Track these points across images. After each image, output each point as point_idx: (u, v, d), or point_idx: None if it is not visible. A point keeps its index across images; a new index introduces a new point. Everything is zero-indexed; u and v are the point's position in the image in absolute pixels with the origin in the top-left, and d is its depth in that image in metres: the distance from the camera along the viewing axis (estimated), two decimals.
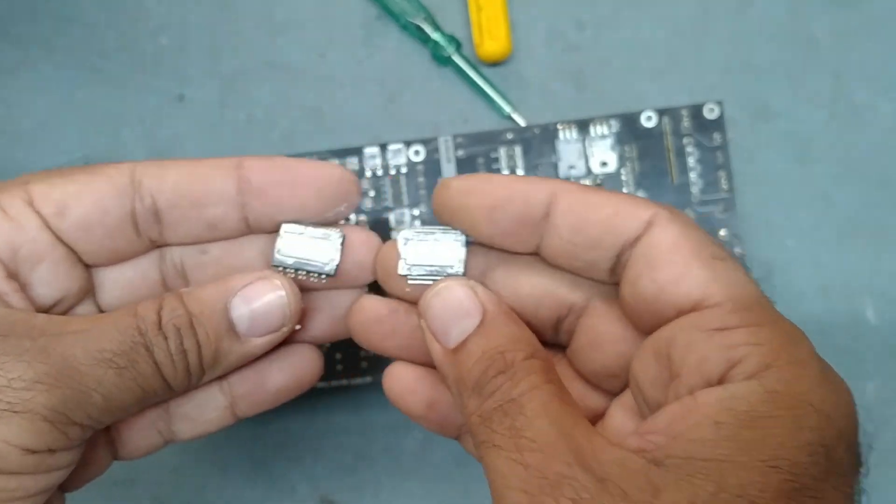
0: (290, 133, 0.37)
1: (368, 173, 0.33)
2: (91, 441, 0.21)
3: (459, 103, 0.37)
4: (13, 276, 0.20)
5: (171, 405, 0.23)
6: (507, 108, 0.36)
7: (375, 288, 0.24)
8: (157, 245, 0.23)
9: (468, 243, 0.22)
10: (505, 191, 0.21)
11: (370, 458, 0.36)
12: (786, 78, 0.36)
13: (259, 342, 0.21)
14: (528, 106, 0.36)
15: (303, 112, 0.37)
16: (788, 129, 0.36)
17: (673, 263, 0.19)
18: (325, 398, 0.36)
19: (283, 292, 0.21)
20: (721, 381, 0.18)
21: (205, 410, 0.23)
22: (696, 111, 0.33)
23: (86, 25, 0.37)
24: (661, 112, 0.33)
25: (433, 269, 0.21)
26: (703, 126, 0.33)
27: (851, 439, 0.18)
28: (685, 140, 0.33)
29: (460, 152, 0.33)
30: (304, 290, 0.23)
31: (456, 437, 0.25)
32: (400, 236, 0.22)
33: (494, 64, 0.36)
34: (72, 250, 0.21)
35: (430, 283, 0.21)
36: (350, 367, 0.33)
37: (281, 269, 0.22)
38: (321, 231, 0.22)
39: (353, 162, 0.34)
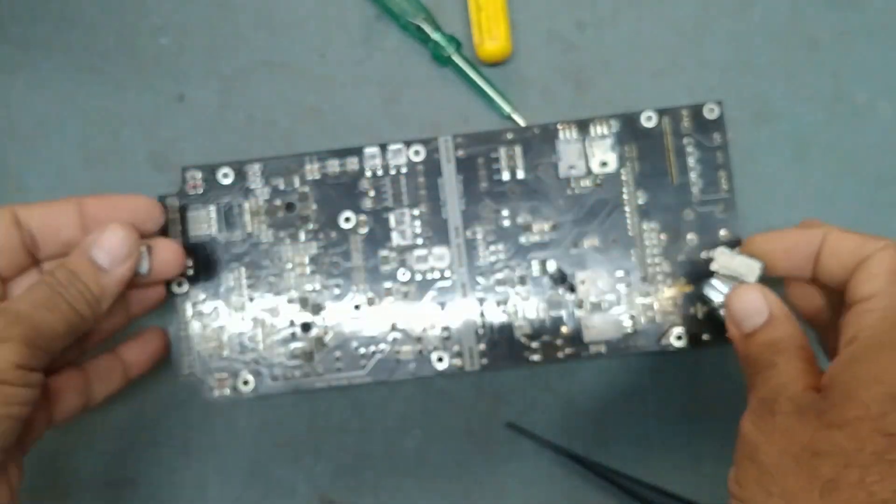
0: (290, 133, 0.37)
1: (368, 173, 0.33)
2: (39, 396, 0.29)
3: (459, 103, 0.37)
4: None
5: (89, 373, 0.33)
6: (507, 108, 0.36)
7: None
8: (36, 262, 0.32)
9: (763, 268, 0.30)
10: (794, 237, 0.30)
11: (370, 458, 0.36)
12: (786, 78, 0.36)
13: (121, 270, 0.30)
14: (528, 106, 0.36)
15: (303, 112, 0.37)
16: (788, 129, 0.36)
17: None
18: (325, 398, 0.36)
19: (121, 231, 0.30)
20: None
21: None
22: (696, 111, 0.33)
23: (86, 25, 0.37)
24: (661, 112, 0.33)
25: (734, 274, 0.30)
26: (703, 126, 0.33)
27: None
28: (685, 140, 0.33)
29: (460, 152, 0.33)
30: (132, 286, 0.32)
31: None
32: (719, 250, 0.31)
33: (494, 64, 0.36)
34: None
35: (731, 283, 0.30)
36: (350, 366, 0.33)
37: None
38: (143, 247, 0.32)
39: (353, 162, 0.34)
